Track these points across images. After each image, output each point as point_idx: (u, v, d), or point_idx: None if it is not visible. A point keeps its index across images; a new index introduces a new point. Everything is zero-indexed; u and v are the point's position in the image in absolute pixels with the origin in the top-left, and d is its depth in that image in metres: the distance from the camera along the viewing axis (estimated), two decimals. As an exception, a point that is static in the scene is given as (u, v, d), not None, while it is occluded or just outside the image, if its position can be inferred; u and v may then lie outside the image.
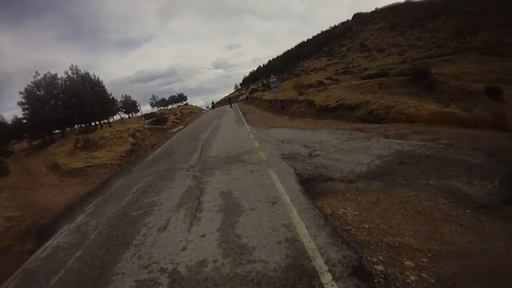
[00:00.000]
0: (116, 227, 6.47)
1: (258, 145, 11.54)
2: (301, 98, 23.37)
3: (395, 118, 12.85)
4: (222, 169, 8.98)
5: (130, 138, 23.27)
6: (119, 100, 76.75)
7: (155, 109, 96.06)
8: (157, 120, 35.54)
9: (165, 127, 32.37)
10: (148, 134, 23.62)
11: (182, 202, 6.88)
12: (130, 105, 79.88)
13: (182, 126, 33.72)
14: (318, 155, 8.51)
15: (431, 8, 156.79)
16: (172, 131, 30.27)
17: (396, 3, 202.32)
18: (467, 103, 19.50)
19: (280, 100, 27.57)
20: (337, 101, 17.72)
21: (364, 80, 27.87)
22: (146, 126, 25.80)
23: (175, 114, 43.53)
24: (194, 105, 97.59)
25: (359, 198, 5.30)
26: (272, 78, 27.79)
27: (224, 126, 21.87)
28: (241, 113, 30.71)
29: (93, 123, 44.94)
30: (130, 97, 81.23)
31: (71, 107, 38.12)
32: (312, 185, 6.31)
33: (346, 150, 8.61)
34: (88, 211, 8.46)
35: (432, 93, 22.03)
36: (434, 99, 19.85)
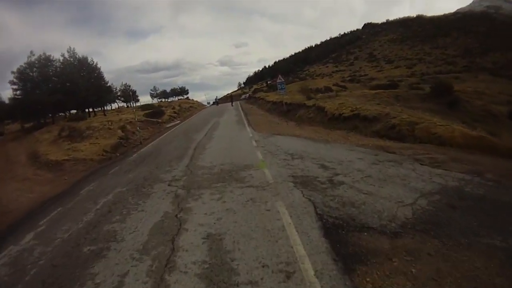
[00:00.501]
0: (58, 270, 4.51)
1: (262, 157, 9.39)
2: (310, 103, 21.29)
3: (420, 138, 11.01)
4: (213, 190, 6.83)
5: (119, 131, 21.15)
6: (118, 88, 74.76)
7: (155, 101, 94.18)
8: (153, 113, 33.52)
9: (160, 120, 30.27)
10: (138, 128, 21.45)
11: (149, 244, 4.75)
12: (129, 94, 77.66)
13: (178, 121, 31.63)
14: (342, 182, 6.42)
15: (442, 25, 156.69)
16: (167, 126, 28.24)
17: (408, 17, 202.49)
18: (492, 126, 17.56)
19: (286, 103, 25.48)
20: (352, 111, 15.67)
21: (378, 90, 25.67)
22: (135, 119, 23.50)
23: (173, 108, 41.36)
24: (195, 99, 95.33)
25: (413, 270, 3.48)
26: (280, 79, 25.61)
27: (223, 127, 19.76)
28: (242, 113, 28.61)
29: (86, 110, 42.66)
30: (129, 86, 79.03)
31: (64, 91, 36.06)
32: (343, 237, 4.27)
33: (377, 178, 6.58)
34: (39, 229, 6.51)
35: (454, 111, 19.97)
36: (457, 119, 17.79)
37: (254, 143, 12.08)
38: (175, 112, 38.10)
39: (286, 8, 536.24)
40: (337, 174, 6.99)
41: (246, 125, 18.82)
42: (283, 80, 25.74)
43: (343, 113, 15.85)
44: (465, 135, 10.27)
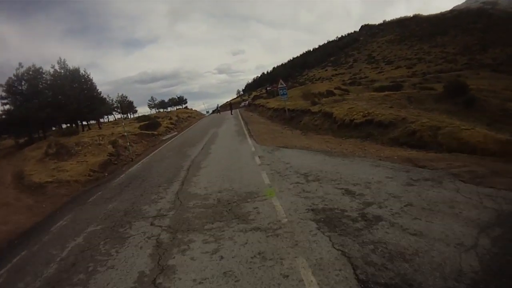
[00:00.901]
0: None
1: (269, 180, 7.66)
2: (315, 108, 19.68)
3: (446, 145, 9.54)
4: (207, 234, 5.13)
5: (110, 147, 19.52)
6: (114, 99, 73.33)
7: (154, 111, 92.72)
8: (149, 125, 31.92)
9: (156, 133, 28.64)
10: (128, 143, 19.84)
11: None
12: (126, 106, 76.17)
13: (175, 133, 30.05)
14: (379, 218, 4.80)
15: (439, 23, 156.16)
16: (163, 138, 26.64)
17: (405, 16, 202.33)
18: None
19: (288, 109, 23.85)
20: (364, 116, 14.08)
21: (388, 92, 23.80)
22: (126, 134, 21.58)
23: (170, 119, 39.55)
24: (194, 109, 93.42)
25: None
26: (281, 84, 23.92)
27: (221, 139, 18.09)
28: (242, 122, 26.96)
29: (80, 123, 40.96)
30: (126, 97, 77.69)
31: (55, 104, 34.63)
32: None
33: (420, 207, 5.07)
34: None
35: (472, 112, 18.35)
36: (477, 120, 16.22)
37: (257, 159, 10.38)
38: (172, 123, 36.40)
39: (283, 14, 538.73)
40: (369, 204, 5.36)
41: (247, 136, 17.13)
42: (284, 85, 24.10)
43: (354, 119, 14.25)
44: (497, 141, 8.79)
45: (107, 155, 17.75)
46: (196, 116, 61.65)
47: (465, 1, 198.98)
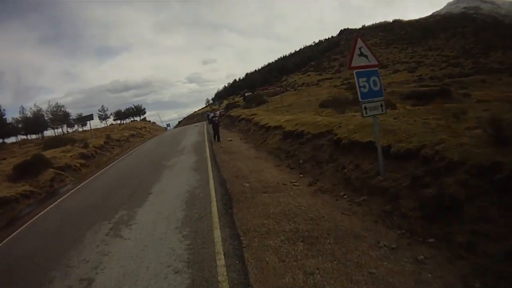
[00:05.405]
0: None
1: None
2: None
3: None
4: None
5: None
6: (44, 109, 55.56)
7: (105, 123, 74.87)
8: (27, 166, 15.19)
9: (21, 192, 12.04)
10: None
11: None
12: (61, 118, 57.98)
13: (69, 187, 13.53)
14: None
15: (425, 27, 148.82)
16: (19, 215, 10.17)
17: (384, 21, 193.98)
18: None
19: (387, 146, 7.28)
20: None
21: None
22: None
23: (85, 146, 21.03)
24: (153, 121, 75.27)
25: None
26: (362, 57, 6.91)
27: None
28: (212, 184, 9.29)
29: None
30: (62, 106, 59.07)
31: None
32: None
33: None
34: None
35: None
36: None
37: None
38: (83, 155, 18.85)
39: (255, 22, 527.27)
40: None
41: None
42: (376, 61, 7.09)
43: None
44: None
45: None
46: (147, 133, 42.86)
47: (445, 7, 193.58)
